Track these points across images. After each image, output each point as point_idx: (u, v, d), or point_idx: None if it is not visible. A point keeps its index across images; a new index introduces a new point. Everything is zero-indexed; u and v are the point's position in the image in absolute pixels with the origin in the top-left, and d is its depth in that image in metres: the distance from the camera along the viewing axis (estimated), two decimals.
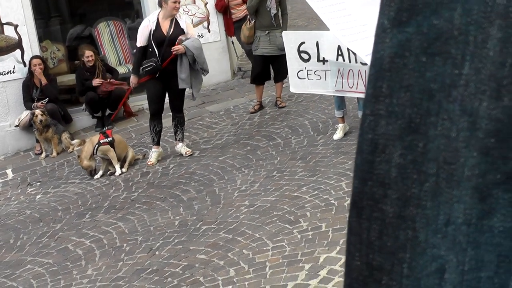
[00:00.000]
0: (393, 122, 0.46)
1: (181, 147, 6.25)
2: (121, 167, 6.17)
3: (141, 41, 5.93)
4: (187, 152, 6.20)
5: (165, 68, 5.87)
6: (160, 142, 6.36)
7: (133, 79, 6.12)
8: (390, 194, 0.46)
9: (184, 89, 6.06)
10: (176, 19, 5.94)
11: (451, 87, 0.45)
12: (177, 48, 5.81)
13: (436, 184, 0.45)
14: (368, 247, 0.48)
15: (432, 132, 0.45)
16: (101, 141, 6.05)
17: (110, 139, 6.09)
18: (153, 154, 6.25)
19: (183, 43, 5.84)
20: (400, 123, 0.46)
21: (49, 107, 7.17)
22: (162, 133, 6.38)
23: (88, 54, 7.40)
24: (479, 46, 0.44)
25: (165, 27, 5.87)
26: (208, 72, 6.09)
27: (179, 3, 5.93)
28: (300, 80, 5.81)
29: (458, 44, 0.45)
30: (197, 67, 5.92)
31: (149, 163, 6.19)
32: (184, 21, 6.07)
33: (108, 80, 7.43)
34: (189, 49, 5.80)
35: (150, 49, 5.88)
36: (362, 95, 5.59)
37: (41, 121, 6.80)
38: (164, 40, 5.83)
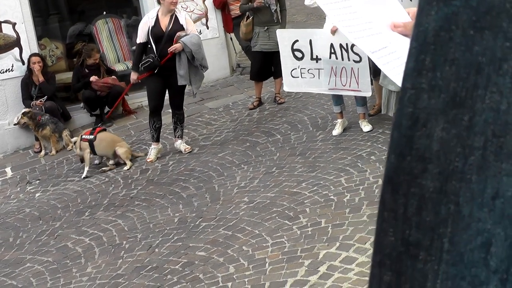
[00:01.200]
0: (436, 96, 0.46)
1: (180, 144, 6.25)
2: (117, 164, 6.21)
3: (140, 37, 5.95)
4: (186, 149, 6.19)
5: (165, 65, 5.86)
6: (160, 139, 6.35)
7: (133, 75, 6.12)
8: (430, 168, 0.46)
9: (184, 86, 6.01)
10: (176, 15, 5.93)
11: (502, 60, 0.44)
12: (173, 48, 5.78)
13: (482, 157, 0.44)
14: (405, 222, 0.47)
15: (479, 105, 0.44)
16: (82, 136, 6.14)
17: (91, 137, 6.09)
18: (153, 151, 6.24)
19: (181, 39, 5.81)
20: (443, 97, 0.45)
21: (48, 105, 7.17)
22: (161, 130, 6.37)
23: (97, 57, 7.38)
24: None
25: (164, 23, 5.87)
26: (207, 68, 6.05)
27: None
28: (294, 79, 5.80)
29: (510, 18, 0.44)
30: (196, 63, 5.90)
31: (148, 160, 6.18)
32: (184, 17, 6.02)
33: (105, 79, 7.38)
34: (187, 46, 5.76)
35: (149, 46, 5.90)
36: (354, 93, 5.57)
37: (24, 123, 6.85)
38: (163, 36, 5.82)
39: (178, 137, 6.26)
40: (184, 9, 8.13)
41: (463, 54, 0.45)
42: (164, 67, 5.86)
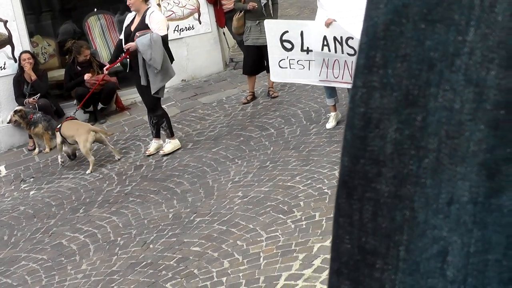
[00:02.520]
0: (388, 94, 0.43)
1: (154, 143, 6.18)
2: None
3: (120, 34, 6.18)
4: (162, 151, 6.08)
5: (131, 63, 5.98)
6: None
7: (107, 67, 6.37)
8: (384, 172, 0.43)
9: (147, 86, 5.87)
10: (146, 14, 5.89)
11: (454, 55, 0.41)
12: (127, 46, 5.81)
13: (437, 160, 0.42)
14: (360, 229, 0.44)
15: (432, 104, 0.42)
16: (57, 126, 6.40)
17: (58, 126, 6.32)
18: (153, 144, 6.23)
19: (137, 39, 5.79)
20: (396, 96, 0.43)
21: (41, 102, 7.14)
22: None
23: (86, 53, 7.36)
24: (486, 11, 0.40)
25: (135, 22, 5.96)
26: (157, 69, 5.78)
27: None
28: (282, 69, 5.78)
29: (462, 9, 0.41)
30: (149, 63, 5.79)
31: (147, 152, 6.16)
32: (149, 16, 5.89)
33: (97, 77, 7.33)
34: (137, 45, 5.74)
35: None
36: (347, 86, 5.56)
37: (16, 121, 6.85)
38: (130, 35, 5.92)
39: (155, 137, 6.20)
40: (177, 4, 8.11)
41: (415, 49, 0.42)
42: (132, 66, 5.98)
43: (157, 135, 6.21)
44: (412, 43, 0.42)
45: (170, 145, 6.11)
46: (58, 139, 6.28)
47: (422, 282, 0.43)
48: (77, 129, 6.15)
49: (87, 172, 6.11)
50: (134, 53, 5.81)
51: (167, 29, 6.07)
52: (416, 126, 0.42)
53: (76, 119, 6.45)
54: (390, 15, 0.43)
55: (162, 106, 6.35)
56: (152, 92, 5.87)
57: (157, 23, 5.83)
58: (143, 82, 5.87)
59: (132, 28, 5.92)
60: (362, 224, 0.44)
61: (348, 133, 0.45)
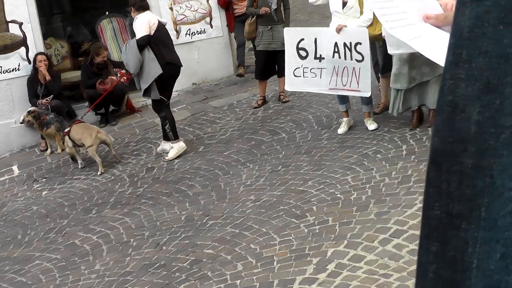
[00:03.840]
0: (472, 84, 0.53)
1: (168, 146, 6.22)
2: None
3: (132, 37, 6.38)
4: (165, 158, 6.14)
5: None
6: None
7: None
8: (469, 148, 0.53)
9: (147, 89, 5.97)
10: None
11: None
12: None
13: (511, 135, 0.52)
14: (448, 197, 0.54)
15: (508, 90, 0.52)
16: (64, 132, 6.52)
17: (67, 130, 6.42)
18: (161, 146, 6.34)
19: None
20: (478, 85, 0.53)
21: (54, 103, 7.20)
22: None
23: (104, 54, 7.45)
24: None
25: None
26: (132, 73, 6.04)
27: None
28: (296, 78, 5.80)
29: None
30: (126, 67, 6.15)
31: (166, 158, 6.15)
32: (134, 24, 6.02)
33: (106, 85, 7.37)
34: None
35: None
36: (354, 94, 5.58)
37: (29, 121, 6.91)
38: None
39: (164, 139, 6.28)
40: (189, 8, 8.17)
41: (494, 46, 0.52)
42: None
43: (166, 138, 6.26)
44: (492, 41, 0.53)
45: (173, 150, 6.14)
46: (69, 143, 6.34)
47: (500, 235, 0.52)
48: (83, 132, 6.26)
49: (98, 173, 6.16)
50: None
51: (152, 29, 5.93)
52: (495, 109, 0.52)
53: (83, 122, 6.52)
54: (474, 20, 0.53)
55: (172, 109, 6.41)
56: (142, 93, 6.12)
57: (136, 28, 5.94)
58: (137, 87, 6.12)
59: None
60: (449, 192, 0.54)
61: (438, 118, 0.55)
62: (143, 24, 5.92)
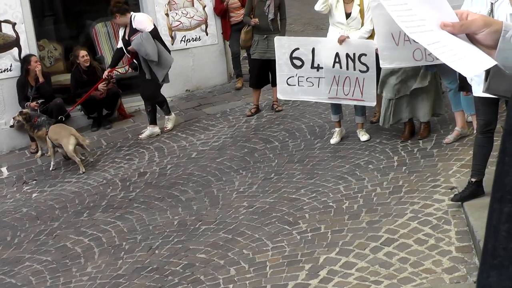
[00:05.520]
0: None
1: (166, 121, 7.03)
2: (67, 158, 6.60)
3: (118, 44, 7.15)
4: (166, 128, 6.98)
5: (139, 64, 6.81)
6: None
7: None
8: None
9: (152, 79, 6.72)
10: (130, 21, 6.72)
11: None
12: (129, 48, 6.71)
13: None
14: None
15: None
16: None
17: (47, 131, 6.63)
18: (148, 131, 6.94)
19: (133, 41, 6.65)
20: None
21: (58, 101, 7.18)
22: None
23: (82, 54, 7.39)
24: None
25: (127, 31, 6.84)
26: (154, 61, 6.61)
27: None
28: (290, 87, 5.85)
29: None
30: (146, 58, 6.61)
31: (139, 137, 6.93)
32: (134, 20, 6.70)
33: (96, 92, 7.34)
34: (133, 47, 6.63)
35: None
36: (357, 103, 5.66)
37: (18, 121, 6.92)
38: (128, 43, 6.78)
39: (151, 124, 6.97)
40: (184, 15, 8.21)
41: None
42: (139, 65, 6.81)
43: (153, 122, 6.94)
44: None
45: (171, 121, 7.10)
46: (49, 143, 6.51)
47: None
48: (60, 132, 6.43)
49: (80, 172, 6.28)
50: (136, 55, 6.69)
51: (153, 23, 6.87)
52: None
53: (63, 123, 6.66)
54: None
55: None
56: (160, 80, 6.74)
57: (141, 23, 6.69)
58: (148, 76, 6.72)
59: (127, 36, 6.78)
60: None
61: None
62: (147, 18, 6.84)
